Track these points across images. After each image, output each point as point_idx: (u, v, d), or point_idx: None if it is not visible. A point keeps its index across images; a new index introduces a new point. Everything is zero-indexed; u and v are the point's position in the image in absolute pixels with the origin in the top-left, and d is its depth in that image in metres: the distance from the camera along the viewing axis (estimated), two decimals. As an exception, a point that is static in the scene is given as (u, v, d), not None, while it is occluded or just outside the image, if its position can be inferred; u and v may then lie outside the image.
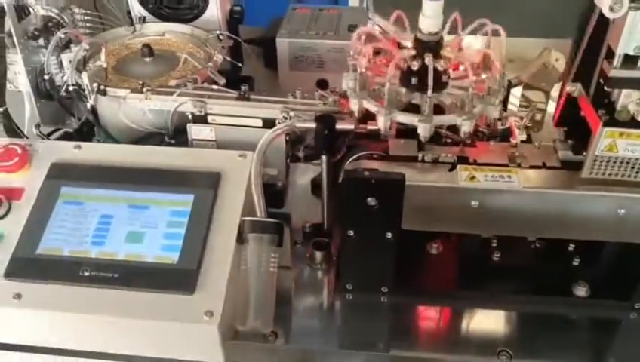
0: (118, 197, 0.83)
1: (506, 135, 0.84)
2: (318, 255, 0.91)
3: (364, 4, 1.33)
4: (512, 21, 0.84)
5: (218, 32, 1.06)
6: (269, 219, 0.79)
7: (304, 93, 0.91)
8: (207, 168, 0.85)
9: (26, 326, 0.78)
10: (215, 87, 0.91)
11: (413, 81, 0.80)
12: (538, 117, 0.85)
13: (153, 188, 0.83)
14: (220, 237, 0.79)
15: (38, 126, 1.02)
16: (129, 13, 1.17)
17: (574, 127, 0.81)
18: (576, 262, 0.87)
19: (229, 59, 1.02)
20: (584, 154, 0.78)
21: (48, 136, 1.04)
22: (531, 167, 0.77)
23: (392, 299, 0.86)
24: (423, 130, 0.77)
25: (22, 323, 0.77)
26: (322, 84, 1.19)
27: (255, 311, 0.78)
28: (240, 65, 1.08)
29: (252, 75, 1.19)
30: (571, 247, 0.87)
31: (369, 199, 0.76)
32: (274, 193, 0.95)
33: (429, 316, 0.86)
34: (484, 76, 0.79)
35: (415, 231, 0.79)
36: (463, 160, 0.78)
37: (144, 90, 0.89)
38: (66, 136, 1.03)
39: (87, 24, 1.08)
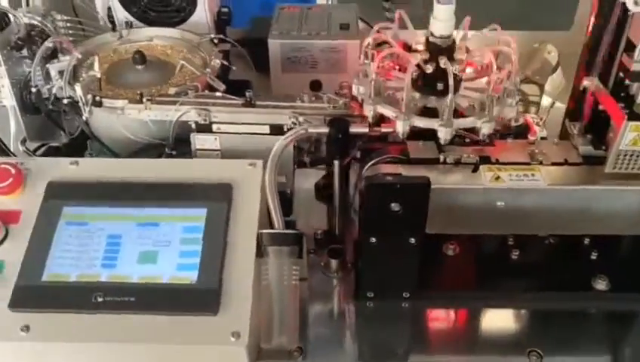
0: (125, 215, 0.78)
1: (519, 132, 0.83)
2: (334, 263, 0.88)
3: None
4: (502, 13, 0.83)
5: (212, 35, 1.02)
6: (288, 231, 0.76)
7: (311, 96, 0.88)
8: (217, 179, 0.81)
9: (36, 360, 0.73)
10: (218, 93, 0.87)
11: (428, 84, 0.78)
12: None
13: (162, 203, 0.79)
14: (238, 252, 0.75)
15: (24, 141, 0.96)
16: (111, 17, 1.11)
17: (589, 122, 0.81)
18: (594, 256, 0.87)
19: (226, 63, 0.98)
20: (603, 148, 0.77)
21: (35, 151, 0.98)
22: (553, 164, 0.76)
23: (413, 304, 0.84)
24: (444, 134, 0.75)
25: (32, 357, 0.72)
26: (316, 86, 1.16)
27: (279, 327, 0.75)
28: (234, 68, 1.03)
29: (242, 78, 1.15)
30: (587, 241, 0.87)
31: (393, 204, 0.74)
32: (283, 201, 0.92)
33: (453, 318, 0.85)
34: (497, 76, 0.78)
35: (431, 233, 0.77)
36: (485, 160, 0.76)
37: (144, 100, 0.85)
38: (55, 152, 0.97)
39: (70, 31, 1.02)
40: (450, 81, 0.73)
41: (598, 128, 0.78)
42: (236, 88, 1.01)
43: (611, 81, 0.74)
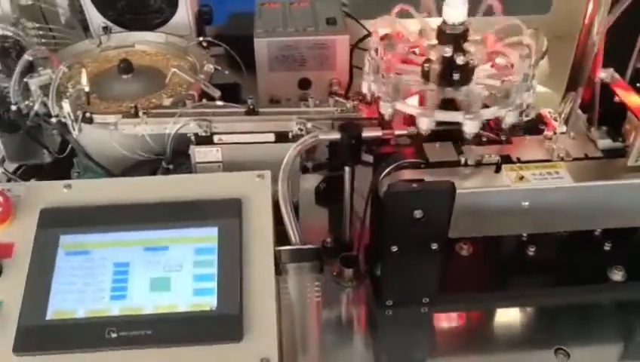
0: (131, 240, 0.73)
1: (530, 127, 0.81)
2: (348, 272, 0.85)
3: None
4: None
5: (200, 38, 0.96)
6: (307, 246, 0.72)
7: (316, 100, 0.84)
8: (225, 194, 0.76)
9: (49, 406, 0.67)
10: (219, 102, 0.81)
11: (445, 76, 0.75)
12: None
13: (169, 224, 0.73)
14: (256, 272, 0.71)
15: (2, 162, 0.89)
16: (83, 23, 1.04)
17: (601, 114, 0.80)
18: (607, 247, 0.86)
19: (220, 68, 0.92)
20: (621, 140, 0.76)
21: (15, 173, 0.91)
22: (574, 160, 0.74)
23: (433, 309, 0.82)
24: (471, 127, 0.72)
25: (44, 404, 0.67)
26: (304, 84, 1.12)
27: (304, 347, 0.71)
28: (226, 72, 0.98)
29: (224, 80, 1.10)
30: (598, 232, 0.86)
31: (416, 212, 0.71)
32: (289, 210, 0.88)
33: (474, 320, 0.83)
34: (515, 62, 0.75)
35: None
36: (506, 159, 0.74)
37: (140, 113, 0.79)
38: (37, 172, 0.90)
39: (42, 40, 0.95)
40: (476, 71, 0.70)
41: (614, 120, 0.77)
42: (226, 92, 0.96)
43: (629, 71, 0.73)
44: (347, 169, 0.80)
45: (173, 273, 0.71)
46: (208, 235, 0.73)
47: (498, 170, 0.73)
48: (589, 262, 0.85)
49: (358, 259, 0.86)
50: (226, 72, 0.97)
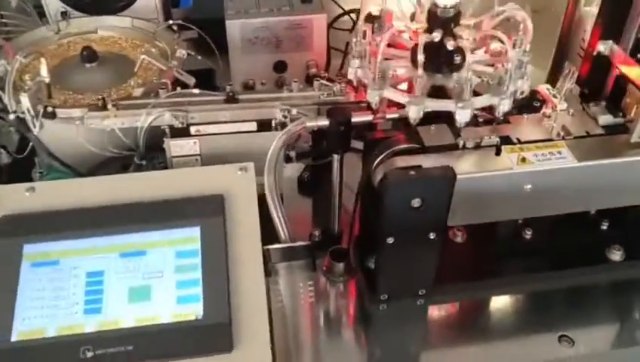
0: (104, 246, 0.66)
1: (524, 105, 0.77)
2: (339, 267, 0.80)
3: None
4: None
5: (170, 21, 0.89)
6: (298, 243, 0.67)
7: (300, 84, 0.78)
8: (205, 190, 0.70)
9: None
10: (195, 90, 0.75)
11: (435, 61, 0.70)
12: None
13: (146, 226, 0.67)
14: (244, 274, 0.65)
15: (-46, 165, 0.81)
16: (38, 7, 0.95)
17: (597, 88, 0.76)
18: (604, 226, 0.83)
19: (193, 54, 0.85)
20: (621, 115, 0.72)
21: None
22: (576, 138, 0.70)
23: (430, 301, 0.78)
24: (463, 116, 0.67)
25: None
26: (280, 67, 1.06)
27: (297, 353, 0.66)
28: (199, 58, 0.91)
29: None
30: (594, 212, 0.83)
31: (414, 201, 0.66)
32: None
33: (473, 309, 0.79)
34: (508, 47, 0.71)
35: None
36: (506, 140, 0.70)
37: (109, 105, 0.72)
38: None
39: (-7, 28, 0.87)
40: (468, 57, 0.65)
41: (613, 94, 0.73)
42: (200, 79, 0.89)
43: (631, 43, 0.69)
44: (336, 157, 0.74)
45: (154, 280, 0.65)
46: (190, 236, 0.67)
47: (498, 152, 0.68)
48: (586, 243, 0.82)
49: (349, 253, 0.81)
50: (199, 57, 0.90)
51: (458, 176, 0.65)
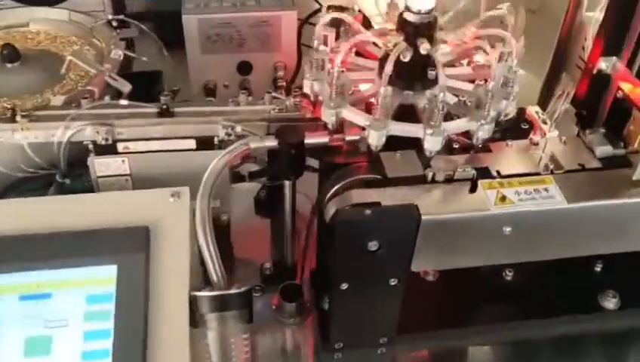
0: (1, 286, 0.56)
1: (509, 127, 0.66)
2: (290, 307, 0.69)
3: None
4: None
5: (109, 16, 0.77)
6: (233, 291, 0.56)
7: (249, 95, 0.67)
8: (128, 221, 0.59)
9: None
10: (123, 101, 0.64)
11: (404, 76, 0.60)
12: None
13: (53, 263, 0.56)
14: (166, 325, 0.55)
15: None
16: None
17: (596, 111, 0.65)
18: (598, 268, 0.73)
19: (132, 54, 0.74)
20: (622, 145, 0.61)
21: None
22: (567, 172, 0.59)
23: (392, 349, 0.67)
24: (432, 144, 0.57)
25: None
26: (244, 68, 0.95)
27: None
28: (144, 59, 0.80)
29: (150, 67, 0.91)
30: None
31: (370, 243, 0.55)
32: (218, 230, 0.71)
33: (445, 359, 0.69)
34: (492, 60, 0.60)
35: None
36: (484, 172, 0.59)
37: (17, 117, 0.61)
38: None
39: None
40: (441, 74, 0.54)
41: (614, 120, 0.63)
42: (145, 82, 0.79)
43: (638, 62, 0.58)
44: (287, 183, 0.64)
45: (57, 329, 0.54)
46: (105, 277, 0.56)
47: (474, 188, 0.57)
48: (577, 288, 0.72)
49: (302, 291, 0.70)
50: (144, 59, 0.79)
51: (423, 217, 0.54)
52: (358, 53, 0.68)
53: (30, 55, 0.73)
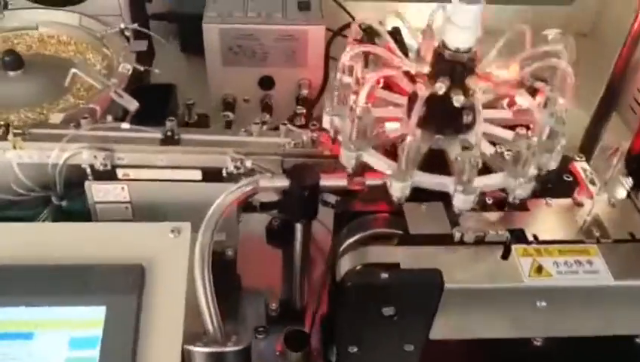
0: (-22, 323, 0.51)
1: (549, 180, 0.59)
2: (294, 357, 0.64)
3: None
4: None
5: (122, 25, 0.72)
6: (229, 348, 0.51)
7: (262, 125, 0.61)
8: (122, 257, 0.54)
9: None
10: (124, 125, 0.58)
11: (437, 119, 0.53)
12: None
13: (36, 300, 0.52)
14: (153, 379, 0.50)
15: None
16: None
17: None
18: None
19: (141, 68, 0.69)
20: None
21: None
22: (615, 242, 0.53)
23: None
24: (463, 203, 0.50)
25: None
26: (266, 82, 0.90)
27: None
28: (157, 72, 0.74)
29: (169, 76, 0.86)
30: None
31: (385, 309, 0.49)
32: (223, 266, 0.66)
33: None
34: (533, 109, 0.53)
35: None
36: (519, 236, 0.52)
37: (10, 135, 0.56)
38: None
39: None
40: (480, 123, 0.48)
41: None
42: (158, 97, 0.74)
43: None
44: (299, 226, 0.58)
45: (34, 376, 0.50)
46: (92, 319, 0.51)
47: (507, 254, 0.51)
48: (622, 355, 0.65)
49: (309, 339, 0.64)
50: (156, 71, 0.73)
51: (447, 285, 0.48)
52: (386, 85, 0.62)
53: (35, 62, 0.67)
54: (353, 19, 1.02)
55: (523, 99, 0.58)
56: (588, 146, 0.82)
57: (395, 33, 0.70)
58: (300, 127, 0.67)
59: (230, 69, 0.87)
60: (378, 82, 0.60)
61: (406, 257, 0.50)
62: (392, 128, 0.57)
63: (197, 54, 0.92)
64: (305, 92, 0.88)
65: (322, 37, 0.87)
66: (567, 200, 0.56)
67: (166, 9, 1.02)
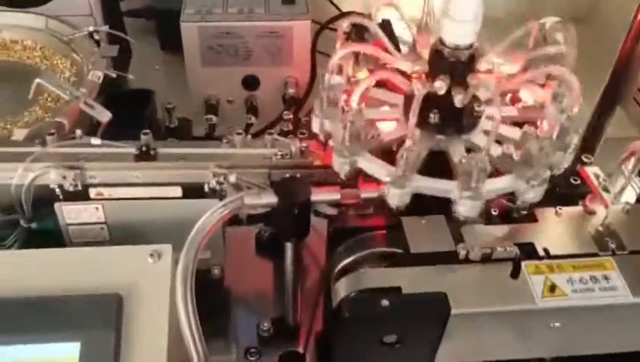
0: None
1: (559, 185, 0.55)
2: (290, 381, 0.60)
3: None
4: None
5: (91, 27, 0.66)
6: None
7: (246, 134, 0.56)
8: (98, 286, 0.49)
9: None
10: (95, 140, 0.53)
11: (437, 119, 0.49)
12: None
13: (3, 337, 0.47)
14: (134, 423, 0.46)
15: None
16: None
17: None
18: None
19: (114, 74, 0.63)
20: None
21: None
22: (632, 253, 0.49)
23: None
24: (469, 209, 0.46)
25: None
26: (251, 82, 0.85)
27: None
28: (131, 77, 0.69)
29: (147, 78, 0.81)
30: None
31: (387, 337, 0.45)
32: (209, 285, 0.61)
33: None
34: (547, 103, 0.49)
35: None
36: (528, 251, 0.48)
37: (-34, 155, 0.51)
38: None
39: None
40: (498, 116, 0.44)
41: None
42: (134, 102, 0.69)
43: None
44: (289, 245, 0.53)
45: (0, 425, 0.45)
46: (64, 357, 0.47)
47: (516, 272, 0.47)
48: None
49: (304, 358, 0.60)
50: (131, 76, 0.68)
51: (453, 311, 0.44)
52: (379, 82, 0.58)
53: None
54: (340, 11, 0.97)
55: (531, 94, 0.54)
56: (591, 142, 0.78)
57: (386, 24, 0.66)
58: (288, 133, 0.63)
59: (211, 69, 0.82)
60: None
61: (408, 280, 0.46)
62: (387, 130, 0.52)
63: (177, 52, 0.87)
64: (292, 91, 0.83)
65: (308, 32, 0.82)
66: (578, 209, 0.52)
67: (142, 5, 0.96)
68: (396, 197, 0.47)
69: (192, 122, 0.81)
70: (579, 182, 0.56)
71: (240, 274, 0.67)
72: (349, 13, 0.96)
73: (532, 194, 0.48)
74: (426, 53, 0.53)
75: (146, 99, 0.71)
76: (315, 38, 0.84)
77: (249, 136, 0.57)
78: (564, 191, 0.54)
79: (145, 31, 1.00)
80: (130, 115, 0.67)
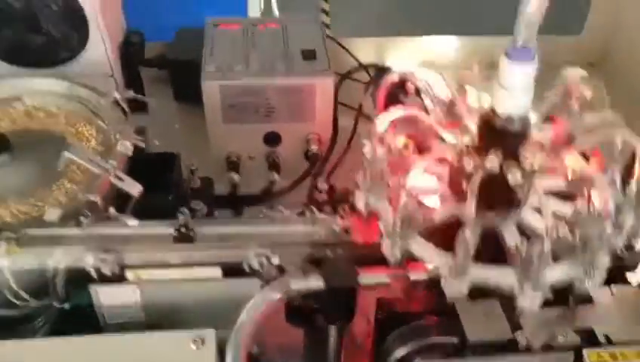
0: None
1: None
2: None
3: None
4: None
5: (116, 95, 0.65)
6: None
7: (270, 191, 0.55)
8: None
9: None
10: (131, 222, 0.51)
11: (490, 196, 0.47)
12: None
13: None
14: None
15: None
16: None
17: None
18: None
19: (143, 144, 0.62)
20: None
21: None
22: (694, 339, 0.47)
23: None
24: (532, 302, 0.44)
25: None
26: (272, 139, 0.83)
27: None
28: (157, 143, 0.67)
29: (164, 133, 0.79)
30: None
31: None
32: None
33: None
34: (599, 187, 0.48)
35: None
36: (588, 337, 0.46)
37: (3, 240, 0.49)
38: None
39: None
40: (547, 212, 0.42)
41: None
42: (160, 167, 0.67)
43: None
44: (333, 328, 0.52)
45: None
46: None
47: (578, 360, 0.45)
48: None
49: None
50: (156, 143, 0.66)
51: (518, 409, 0.42)
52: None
53: (22, 142, 0.59)
54: (360, 64, 0.97)
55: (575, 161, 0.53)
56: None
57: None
58: (324, 203, 0.61)
59: (233, 126, 0.81)
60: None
61: (463, 371, 0.44)
62: (435, 208, 0.51)
63: (191, 103, 0.86)
64: (314, 148, 0.82)
65: (331, 89, 0.81)
66: (632, 288, 0.51)
67: (155, 54, 0.95)
68: (454, 288, 0.46)
69: (214, 180, 0.79)
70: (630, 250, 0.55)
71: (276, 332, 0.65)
72: (369, 66, 0.96)
73: (591, 283, 0.46)
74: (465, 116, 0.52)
75: (172, 163, 0.69)
76: (336, 92, 0.83)
77: (288, 212, 0.55)
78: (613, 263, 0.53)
79: (157, 80, 0.99)
80: (157, 180, 0.65)
